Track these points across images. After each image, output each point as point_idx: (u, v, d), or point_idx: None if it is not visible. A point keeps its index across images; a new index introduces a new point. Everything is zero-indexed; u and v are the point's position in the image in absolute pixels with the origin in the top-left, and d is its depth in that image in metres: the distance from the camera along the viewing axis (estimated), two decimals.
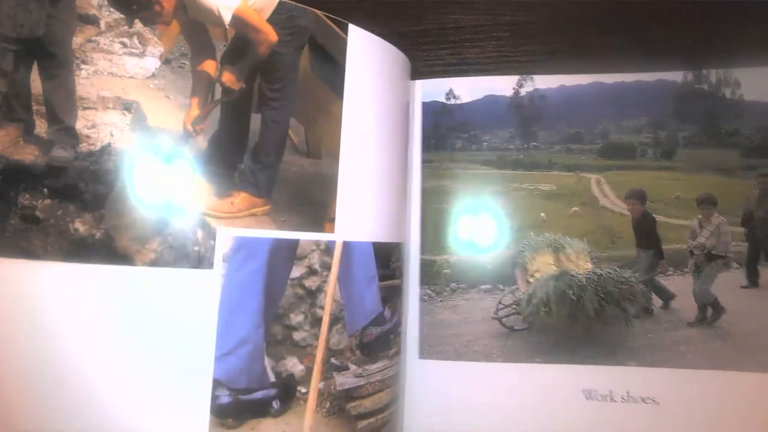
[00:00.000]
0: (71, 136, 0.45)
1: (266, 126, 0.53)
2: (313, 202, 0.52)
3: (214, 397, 0.46)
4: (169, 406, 0.45)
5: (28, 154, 0.44)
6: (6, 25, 0.44)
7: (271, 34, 0.51)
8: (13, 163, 0.43)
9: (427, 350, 0.59)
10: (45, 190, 0.44)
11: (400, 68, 0.60)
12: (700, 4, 0.59)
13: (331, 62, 0.54)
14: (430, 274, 0.61)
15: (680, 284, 0.60)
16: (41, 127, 0.45)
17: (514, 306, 0.61)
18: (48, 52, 0.46)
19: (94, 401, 0.44)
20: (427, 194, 0.62)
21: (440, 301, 0.61)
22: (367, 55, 0.55)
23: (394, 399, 0.56)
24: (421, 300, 0.61)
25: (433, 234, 0.61)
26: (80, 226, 0.44)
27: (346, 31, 0.54)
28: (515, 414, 0.57)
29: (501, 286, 0.61)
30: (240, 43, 0.51)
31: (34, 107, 0.45)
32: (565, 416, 0.57)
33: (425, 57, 0.64)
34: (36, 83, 0.45)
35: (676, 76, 0.59)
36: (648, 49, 0.60)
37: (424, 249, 0.61)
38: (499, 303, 0.61)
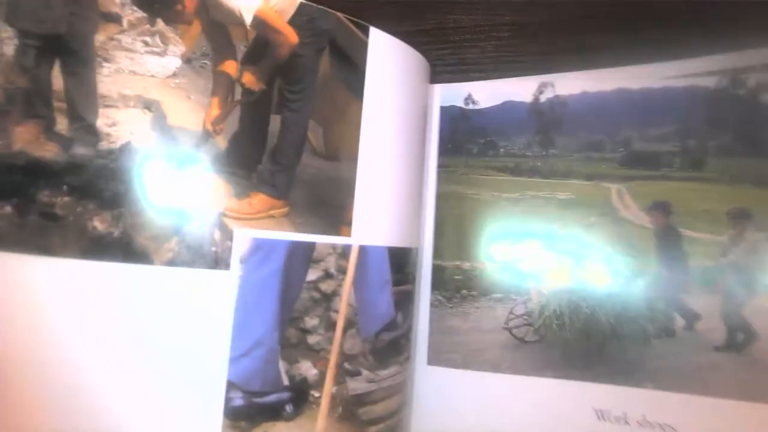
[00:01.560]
0: (92, 133, 0.45)
1: (285, 127, 0.53)
2: (331, 205, 0.52)
3: (228, 399, 0.45)
4: (182, 407, 0.45)
5: (49, 151, 0.44)
6: (28, 21, 0.44)
7: (292, 36, 0.51)
8: (34, 159, 0.43)
9: (435, 357, 0.58)
10: (65, 187, 0.44)
11: (420, 72, 0.60)
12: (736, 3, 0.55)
13: (351, 65, 0.54)
14: (441, 279, 0.60)
15: (707, 304, 0.55)
16: (62, 124, 0.45)
17: (525, 317, 0.59)
18: (70, 49, 0.46)
19: (107, 401, 0.44)
20: (441, 199, 0.61)
21: (450, 307, 0.60)
22: (387, 58, 0.55)
23: (402, 405, 0.56)
24: (431, 305, 0.60)
25: (445, 239, 0.60)
26: (99, 224, 0.44)
27: (367, 34, 0.54)
28: (522, 429, 0.55)
29: (513, 296, 0.59)
30: (261, 45, 0.52)
31: (55, 104, 0.45)
32: None
33: (425, 57, 0.63)
34: (57, 80, 0.45)
35: (708, 81, 0.55)
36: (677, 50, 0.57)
37: (436, 254, 0.60)
38: (510, 313, 0.59)
